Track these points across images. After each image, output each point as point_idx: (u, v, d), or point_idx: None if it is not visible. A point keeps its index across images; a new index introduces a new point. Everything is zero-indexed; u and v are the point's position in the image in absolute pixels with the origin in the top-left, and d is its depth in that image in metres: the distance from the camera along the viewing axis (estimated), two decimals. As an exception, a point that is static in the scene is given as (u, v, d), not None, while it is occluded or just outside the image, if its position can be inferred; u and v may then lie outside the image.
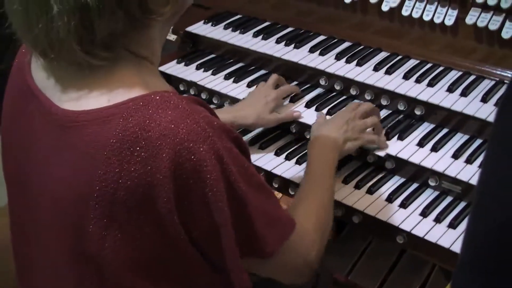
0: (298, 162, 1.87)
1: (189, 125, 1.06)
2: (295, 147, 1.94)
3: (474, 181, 1.63)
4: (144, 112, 1.05)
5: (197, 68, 2.24)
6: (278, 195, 1.98)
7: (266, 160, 1.90)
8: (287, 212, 1.31)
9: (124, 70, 1.12)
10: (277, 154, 1.92)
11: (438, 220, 1.63)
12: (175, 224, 1.09)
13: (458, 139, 1.79)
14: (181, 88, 2.23)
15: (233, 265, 1.16)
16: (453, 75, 1.91)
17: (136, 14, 1.05)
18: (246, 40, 2.22)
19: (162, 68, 2.26)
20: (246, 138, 1.99)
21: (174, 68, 2.27)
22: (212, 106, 1.98)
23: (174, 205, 1.07)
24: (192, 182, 1.06)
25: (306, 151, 1.89)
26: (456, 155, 1.71)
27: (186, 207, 1.08)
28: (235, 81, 2.13)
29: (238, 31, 2.27)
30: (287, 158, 1.90)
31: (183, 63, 2.28)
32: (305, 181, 1.57)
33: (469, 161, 1.69)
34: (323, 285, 1.84)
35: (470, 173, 1.66)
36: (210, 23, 2.34)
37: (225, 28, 2.31)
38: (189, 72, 2.23)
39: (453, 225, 1.61)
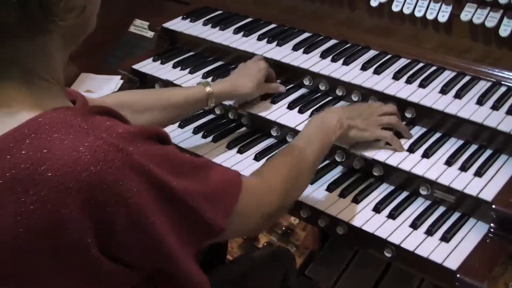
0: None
1: (91, 144, 0.92)
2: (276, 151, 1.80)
3: (468, 190, 1.50)
4: (34, 143, 0.91)
5: (174, 66, 2.11)
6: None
7: (244, 165, 1.75)
8: (228, 174, 1.21)
9: (9, 87, 0.98)
10: (257, 159, 1.78)
11: (429, 232, 1.50)
12: (94, 258, 0.96)
13: (452, 144, 1.65)
14: (157, 88, 2.10)
15: (186, 271, 1.07)
16: (447, 75, 1.78)
17: (34, 10, 0.93)
18: (226, 37, 2.09)
19: (136, 66, 2.13)
20: (223, 141, 1.86)
21: (149, 66, 2.14)
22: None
23: (92, 238, 0.94)
24: (111, 207, 0.94)
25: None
26: (449, 162, 1.58)
27: (110, 234, 0.96)
28: (213, 80, 1.99)
29: (218, 28, 2.14)
30: (268, 163, 1.76)
31: (159, 61, 2.14)
32: (292, 141, 1.50)
33: (463, 168, 1.55)
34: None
35: (464, 182, 1.52)
36: (189, 19, 2.21)
37: (204, 24, 2.17)
38: (166, 71, 2.10)
39: (446, 238, 1.47)
